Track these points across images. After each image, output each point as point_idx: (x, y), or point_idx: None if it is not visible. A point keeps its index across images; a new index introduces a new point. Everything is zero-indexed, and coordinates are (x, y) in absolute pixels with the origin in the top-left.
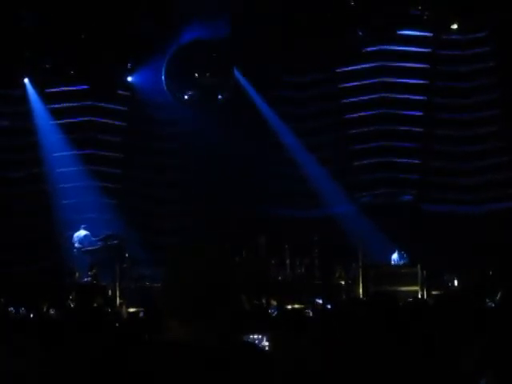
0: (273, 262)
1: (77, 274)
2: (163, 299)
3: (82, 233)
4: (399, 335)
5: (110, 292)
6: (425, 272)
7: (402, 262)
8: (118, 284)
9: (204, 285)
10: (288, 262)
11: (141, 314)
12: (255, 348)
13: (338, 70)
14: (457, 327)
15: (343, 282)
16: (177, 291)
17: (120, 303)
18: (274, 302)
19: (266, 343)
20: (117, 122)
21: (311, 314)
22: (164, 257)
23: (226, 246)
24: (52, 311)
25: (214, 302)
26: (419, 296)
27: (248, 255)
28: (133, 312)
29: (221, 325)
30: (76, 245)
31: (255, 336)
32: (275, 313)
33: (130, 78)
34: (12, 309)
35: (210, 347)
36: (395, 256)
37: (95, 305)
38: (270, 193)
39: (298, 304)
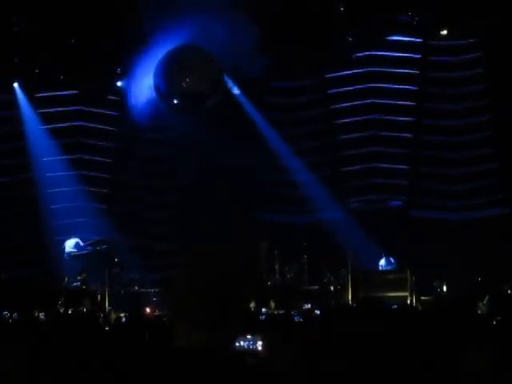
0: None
1: (66, 279)
2: (175, 308)
3: (72, 241)
4: (388, 339)
5: (99, 297)
6: (414, 278)
7: (389, 268)
8: (107, 289)
9: (217, 295)
10: (277, 267)
11: (123, 319)
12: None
13: (328, 76)
14: (448, 333)
15: (332, 288)
16: (189, 300)
17: (109, 309)
18: (273, 304)
19: (260, 343)
20: (106, 127)
21: (300, 319)
22: (177, 263)
23: (240, 254)
24: (41, 316)
25: (228, 312)
26: (408, 302)
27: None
28: (119, 317)
29: (233, 332)
30: (66, 250)
31: (249, 337)
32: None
33: (119, 83)
34: (6, 313)
35: (222, 353)
36: (382, 262)
37: (84, 309)
38: (260, 198)
39: (286, 309)
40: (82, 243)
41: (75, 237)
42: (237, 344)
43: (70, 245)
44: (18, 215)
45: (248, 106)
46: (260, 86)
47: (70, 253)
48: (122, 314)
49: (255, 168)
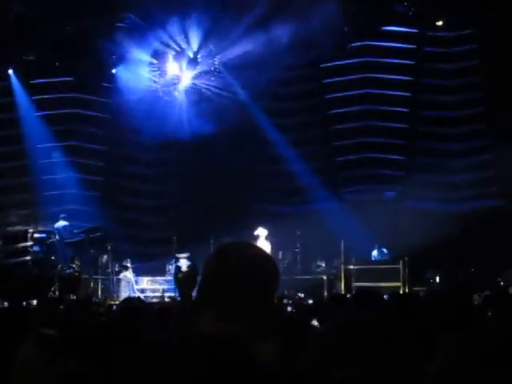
0: None
1: (59, 266)
2: (201, 295)
3: (61, 223)
4: (388, 331)
5: (91, 284)
6: (407, 268)
7: (381, 259)
8: (99, 276)
9: (244, 284)
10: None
11: (114, 307)
12: None
13: (323, 66)
14: (445, 324)
15: (325, 278)
16: (215, 288)
17: (104, 296)
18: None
19: None
20: (101, 115)
21: (292, 309)
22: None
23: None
24: (33, 303)
25: (253, 301)
26: (401, 292)
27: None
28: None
29: (259, 323)
30: (57, 236)
31: None
32: None
33: (114, 71)
34: None
35: (246, 344)
36: (375, 252)
37: (75, 297)
38: (255, 188)
39: (279, 298)
40: (70, 227)
41: (63, 219)
42: None
43: (57, 228)
44: (11, 202)
45: (244, 96)
46: (254, 77)
47: (58, 239)
48: (114, 302)
49: (251, 158)
